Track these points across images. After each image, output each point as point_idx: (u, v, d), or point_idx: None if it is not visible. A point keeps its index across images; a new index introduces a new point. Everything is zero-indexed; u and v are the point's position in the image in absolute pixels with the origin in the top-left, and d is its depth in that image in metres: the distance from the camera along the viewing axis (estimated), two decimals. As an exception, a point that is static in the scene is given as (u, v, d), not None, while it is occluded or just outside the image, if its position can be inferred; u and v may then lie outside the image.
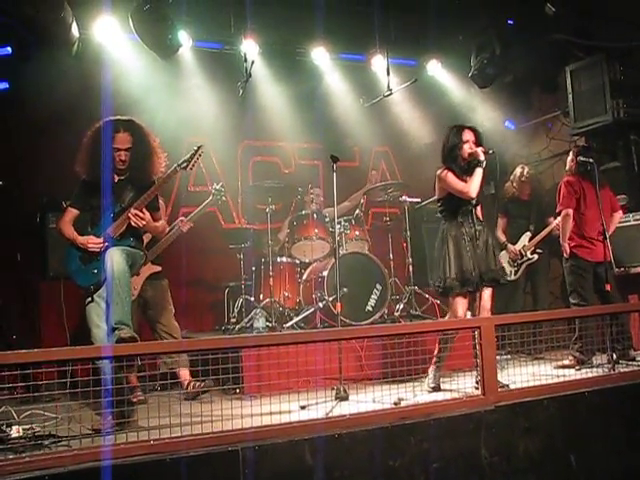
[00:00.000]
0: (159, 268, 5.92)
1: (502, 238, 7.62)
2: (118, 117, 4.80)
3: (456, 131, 5.36)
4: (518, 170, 7.67)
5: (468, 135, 5.32)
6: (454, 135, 5.34)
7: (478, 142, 5.33)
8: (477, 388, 4.77)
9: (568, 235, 6.27)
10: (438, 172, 5.38)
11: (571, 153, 6.50)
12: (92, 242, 4.61)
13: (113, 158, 4.67)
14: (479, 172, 5.23)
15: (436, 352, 5.21)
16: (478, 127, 5.51)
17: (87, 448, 3.37)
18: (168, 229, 5.95)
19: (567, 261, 6.36)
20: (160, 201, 5.92)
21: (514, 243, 7.51)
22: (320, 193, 7.83)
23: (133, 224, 4.63)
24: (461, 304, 5.20)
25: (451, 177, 5.25)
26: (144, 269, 5.72)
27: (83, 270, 4.62)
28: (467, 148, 5.28)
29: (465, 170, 5.29)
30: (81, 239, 4.63)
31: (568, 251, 6.30)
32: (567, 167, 6.51)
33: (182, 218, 6.29)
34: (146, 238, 5.61)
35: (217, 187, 6.59)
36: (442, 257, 5.25)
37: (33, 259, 6.55)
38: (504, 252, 7.55)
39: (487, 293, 5.27)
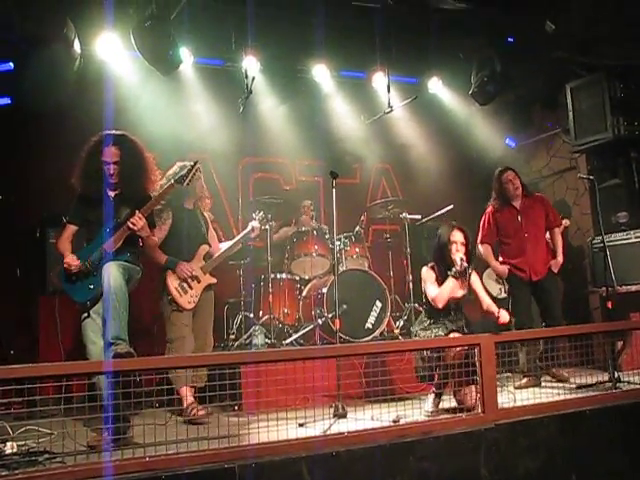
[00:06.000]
0: (215, 280, 5.74)
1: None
2: (112, 131, 4.81)
3: (445, 230, 5.31)
4: None
5: (457, 236, 5.23)
6: (444, 234, 5.29)
7: (467, 242, 5.25)
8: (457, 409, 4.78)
9: None
10: (423, 270, 5.37)
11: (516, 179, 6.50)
12: (67, 262, 4.58)
13: (103, 172, 4.68)
14: (450, 282, 5.14)
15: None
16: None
17: (81, 465, 3.34)
18: (239, 237, 5.94)
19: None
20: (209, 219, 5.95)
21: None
22: (308, 204, 7.83)
23: (130, 226, 4.60)
24: None
25: (429, 281, 5.26)
26: (204, 279, 5.62)
27: (79, 285, 4.60)
28: (454, 249, 5.21)
29: (449, 268, 5.21)
30: (65, 259, 4.62)
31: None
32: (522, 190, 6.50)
33: (253, 223, 6.06)
34: (203, 251, 5.64)
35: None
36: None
37: (33, 274, 6.53)
38: (489, 270, 7.30)
39: None
